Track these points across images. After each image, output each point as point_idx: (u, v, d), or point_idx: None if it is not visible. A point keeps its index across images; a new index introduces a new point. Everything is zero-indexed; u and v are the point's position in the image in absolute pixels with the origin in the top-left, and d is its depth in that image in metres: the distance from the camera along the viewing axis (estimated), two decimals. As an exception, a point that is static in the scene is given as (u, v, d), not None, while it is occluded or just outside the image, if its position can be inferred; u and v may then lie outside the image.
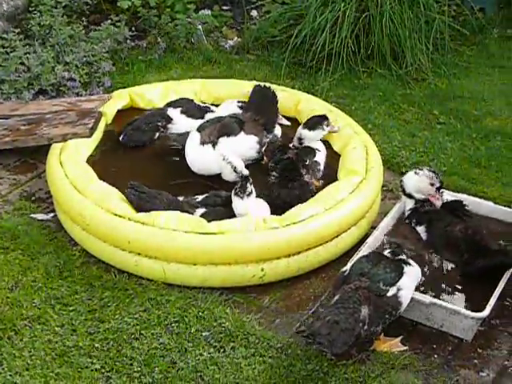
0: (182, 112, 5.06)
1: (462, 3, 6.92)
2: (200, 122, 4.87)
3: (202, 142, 4.62)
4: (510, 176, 5.13)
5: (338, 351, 3.56)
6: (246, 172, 4.59)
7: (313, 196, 4.41)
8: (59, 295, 4.02)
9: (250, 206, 4.26)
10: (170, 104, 5.14)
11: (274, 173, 4.63)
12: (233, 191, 4.29)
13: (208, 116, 5.01)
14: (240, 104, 5.12)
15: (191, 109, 5.08)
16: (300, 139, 4.86)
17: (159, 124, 4.99)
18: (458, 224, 4.27)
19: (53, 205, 4.64)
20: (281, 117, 5.11)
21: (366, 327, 3.64)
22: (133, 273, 4.18)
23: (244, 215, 4.25)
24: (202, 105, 5.22)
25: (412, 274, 3.86)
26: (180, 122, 5.01)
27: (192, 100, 5.23)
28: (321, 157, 4.80)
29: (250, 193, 4.28)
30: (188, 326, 3.87)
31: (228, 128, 4.70)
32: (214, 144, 4.62)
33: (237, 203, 4.28)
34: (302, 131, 4.85)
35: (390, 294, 3.73)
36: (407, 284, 3.80)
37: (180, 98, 5.21)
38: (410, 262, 3.90)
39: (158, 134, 5.00)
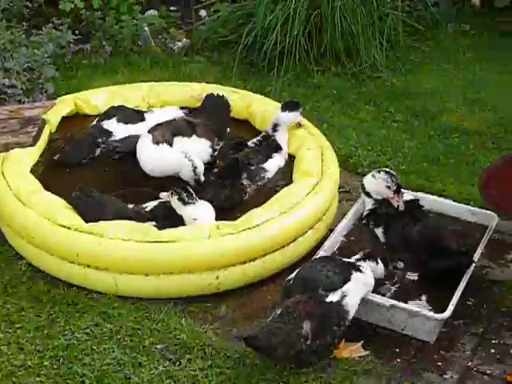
0: (118, 121, 4.92)
1: (415, -2, 6.96)
2: (141, 125, 4.82)
3: (156, 142, 4.56)
4: (468, 173, 5.13)
5: (278, 361, 3.57)
6: (202, 178, 4.55)
7: (241, 200, 4.44)
8: (5, 313, 3.93)
9: (200, 211, 4.21)
10: (103, 117, 4.99)
11: (214, 170, 4.67)
12: (179, 201, 4.19)
13: (148, 116, 4.95)
14: (184, 111, 5.10)
15: (127, 115, 4.97)
16: (276, 125, 4.85)
17: (99, 140, 4.86)
18: (415, 225, 4.24)
19: (-4, 218, 4.53)
20: None
21: (309, 342, 3.55)
22: (82, 286, 4.09)
23: (196, 221, 4.18)
24: (136, 108, 5.13)
25: (360, 280, 3.75)
26: (120, 132, 4.88)
27: (123, 106, 5.11)
28: (274, 162, 4.76)
29: (197, 197, 4.22)
30: (142, 340, 3.80)
31: (181, 129, 4.68)
32: (170, 143, 4.58)
33: (190, 210, 4.19)
34: (280, 114, 4.85)
35: (330, 299, 3.63)
36: (353, 290, 3.70)
37: (110, 107, 5.08)
38: (362, 268, 3.81)
39: (99, 151, 4.85)
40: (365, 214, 4.45)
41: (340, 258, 3.89)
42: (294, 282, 3.73)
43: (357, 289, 3.72)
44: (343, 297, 3.65)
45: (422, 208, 4.40)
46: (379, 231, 4.33)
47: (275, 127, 4.85)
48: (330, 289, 3.64)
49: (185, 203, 4.19)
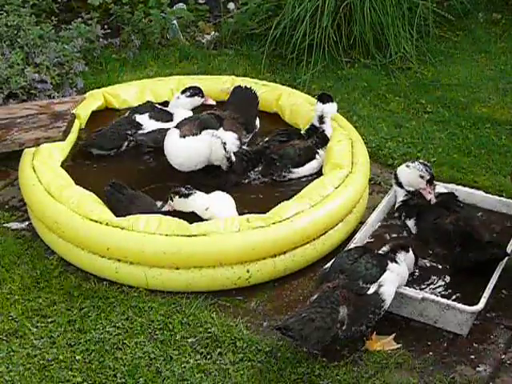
0: (150, 117, 4.95)
1: (445, -12, 6.91)
2: (169, 124, 4.79)
3: (183, 136, 4.53)
4: (500, 164, 5.08)
5: (313, 348, 3.56)
6: (233, 157, 4.53)
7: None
8: (37, 307, 3.95)
9: (208, 199, 4.23)
10: (136, 110, 5.02)
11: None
12: (180, 198, 4.20)
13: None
14: (188, 93, 5.01)
15: (158, 113, 4.98)
16: (321, 117, 4.82)
17: (128, 133, 4.89)
18: (448, 216, 4.21)
19: (27, 213, 4.57)
20: (207, 98, 5.06)
21: (344, 327, 3.56)
22: (113, 280, 4.11)
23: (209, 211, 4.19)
24: (166, 108, 5.11)
25: (396, 271, 3.75)
26: (150, 127, 4.90)
27: (155, 104, 5.13)
28: (312, 166, 4.72)
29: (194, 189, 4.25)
30: (173, 333, 3.81)
31: (208, 123, 4.66)
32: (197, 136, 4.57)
33: (196, 202, 4.20)
34: (322, 107, 4.80)
35: (370, 291, 3.64)
36: (389, 279, 3.71)
37: (145, 103, 5.11)
38: (398, 259, 3.80)
39: (126, 143, 4.90)
40: (397, 205, 4.43)
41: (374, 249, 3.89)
42: (330, 271, 3.73)
43: (393, 279, 3.72)
44: (380, 286, 3.66)
45: (455, 200, 4.36)
46: (411, 223, 4.32)
47: (321, 119, 4.82)
48: (370, 281, 3.64)
49: (186, 195, 4.19)
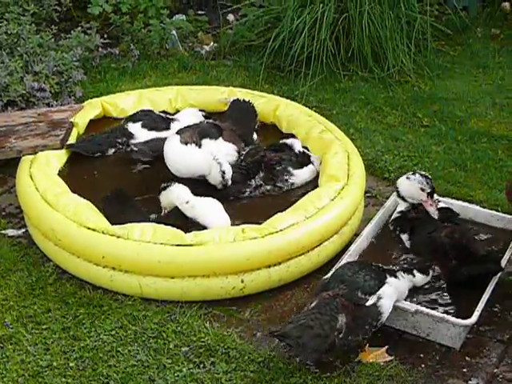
0: (143, 126, 4.93)
1: (444, 2, 6.96)
2: (165, 133, 4.81)
3: (185, 142, 4.53)
4: (496, 179, 5.08)
5: (309, 357, 3.54)
6: (229, 183, 4.54)
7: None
8: (32, 313, 3.95)
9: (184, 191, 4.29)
10: (130, 119, 5.01)
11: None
12: (160, 193, 4.32)
13: (173, 126, 4.92)
14: (204, 113, 5.10)
15: (153, 121, 4.96)
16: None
17: (118, 141, 4.89)
18: (443, 229, 4.20)
19: (24, 220, 4.57)
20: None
21: (341, 336, 3.57)
22: (108, 288, 4.11)
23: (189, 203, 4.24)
24: (165, 115, 5.10)
25: (394, 285, 3.77)
26: (142, 137, 4.90)
27: (152, 111, 5.11)
28: (310, 169, 4.76)
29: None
30: (166, 342, 3.81)
31: (208, 132, 4.68)
32: (199, 145, 4.56)
33: (173, 195, 4.26)
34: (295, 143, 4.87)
35: (369, 303, 3.66)
36: (388, 293, 3.73)
37: (140, 111, 5.09)
38: (399, 275, 3.82)
39: (113, 150, 4.90)
40: (393, 217, 4.43)
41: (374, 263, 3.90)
42: (330, 281, 3.75)
43: (391, 293, 3.74)
44: (379, 299, 3.67)
45: (454, 215, 4.38)
46: (405, 237, 4.32)
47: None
48: (368, 292, 3.67)
49: (164, 188, 4.26)
